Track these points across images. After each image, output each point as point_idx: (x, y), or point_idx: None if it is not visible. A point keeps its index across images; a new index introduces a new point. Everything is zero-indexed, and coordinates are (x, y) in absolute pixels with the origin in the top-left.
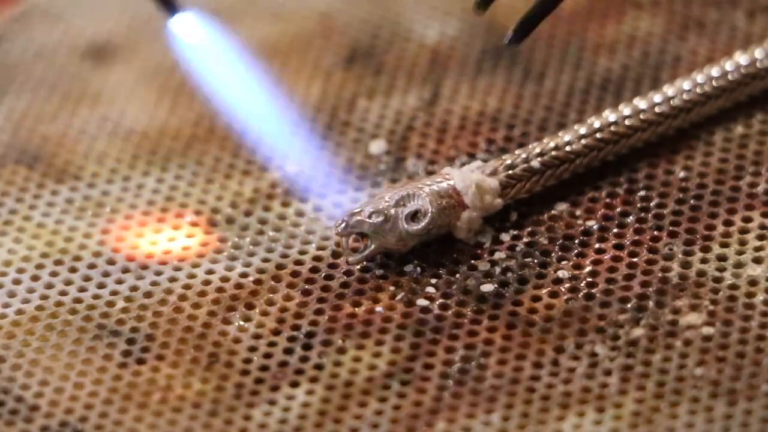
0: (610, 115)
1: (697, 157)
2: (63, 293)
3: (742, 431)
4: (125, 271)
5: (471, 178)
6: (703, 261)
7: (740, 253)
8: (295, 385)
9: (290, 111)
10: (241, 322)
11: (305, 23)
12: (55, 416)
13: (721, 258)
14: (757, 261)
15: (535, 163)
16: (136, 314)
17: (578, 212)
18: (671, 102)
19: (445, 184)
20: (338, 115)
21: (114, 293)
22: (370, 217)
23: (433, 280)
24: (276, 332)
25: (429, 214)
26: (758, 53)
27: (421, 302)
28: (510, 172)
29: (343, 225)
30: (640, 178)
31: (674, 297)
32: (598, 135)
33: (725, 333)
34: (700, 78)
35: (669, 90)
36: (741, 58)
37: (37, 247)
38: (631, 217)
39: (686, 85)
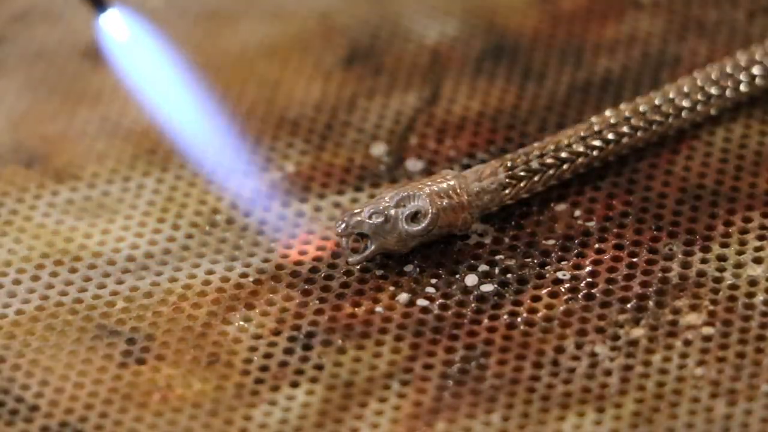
0: (610, 115)
1: (697, 157)
2: (63, 293)
3: (742, 431)
4: (125, 271)
5: (471, 179)
6: (703, 261)
7: (740, 253)
8: (295, 385)
9: (220, 118)
10: (241, 322)
11: (305, 23)
12: (55, 416)
13: (721, 258)
14: (757, 261)
15: (535, 163)
16: (136, 314)
17: (578, 212)
18: (671, 102)
19: (445, 185)
20: (338, 115)
21: (114, 293)
22: (370, 217)
23: (433, 280)
24: (276, 332)
25: (429, 215)
26: (758, 54)
27: (421, 302)
28: (510, 172)
29: (343, 225)
30: (640, 178)
31: (674, 297)
32: (598, 135)
33: (725, 333)
34: (700, 78)
35: (669, 90)
36: (741, 58)
37: (37, 247)
38: (631, 217)
39: (686, 85)
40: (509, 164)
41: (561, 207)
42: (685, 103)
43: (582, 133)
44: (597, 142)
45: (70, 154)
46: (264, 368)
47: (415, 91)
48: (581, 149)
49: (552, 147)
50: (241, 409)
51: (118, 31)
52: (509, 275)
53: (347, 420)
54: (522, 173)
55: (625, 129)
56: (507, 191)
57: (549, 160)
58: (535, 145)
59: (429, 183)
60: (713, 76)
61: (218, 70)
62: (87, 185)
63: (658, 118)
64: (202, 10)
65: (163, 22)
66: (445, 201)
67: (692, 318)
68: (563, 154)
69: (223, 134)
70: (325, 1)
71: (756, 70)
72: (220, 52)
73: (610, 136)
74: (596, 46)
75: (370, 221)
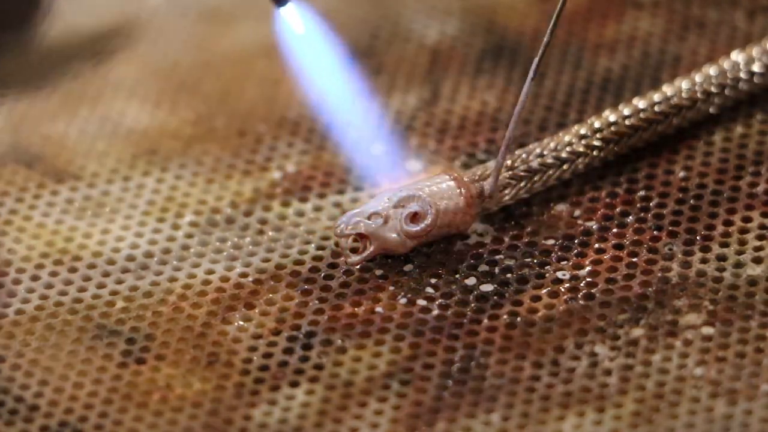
0: (610, 115)
1: (697, 157)
2: (63, 293)
3: (742, 431)
4: (125, 271)
5: (471, 179)
6: (703, 261)
7: (740, 253)
8: (295, 385)
9: (374, 112)
10: (241, 322)
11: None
12: (55, 416)
13: (721, 258)
14: (757, 261)
15: (535, 163)
16: (135, 314)
17: (578, 212)
18: (671, 101)
19: (444, 185)
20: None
21: (114, 293)
22: (369, 218)
23: (433, 280)
24: (276, 332)
25: (429, 216)
26: (755, 52)
27: (421, 302)
28: (510, 172)
29: (342, 226)
30: (640, 178)
31: (674, 297)
32: (598, 135)
33: (725, 333)
34: (699, 77)
35: (669, 90)
36: (739, 57)
37: (37, 246)
38: (631, 217)
39: (685, 84)
40: (509, 164)
41: (561, 207)
42: (685, 103)
43: (582, 133)
44: (597, 142)
45: (70, 154)
46: (264, 368)
47: (415, 91)
48: (581, 149)
49: (552, 147)
50: (241, 409)
51: (295, 24)
52: (509, 275)
53: (347, 420)
54: (522, 173)
55: (624, 129)
56: (507, 191)
57: (549, 160)
58: (535, 145)
59: (428, 183)
60: (712, 75)
61: (218, 70)
62: (87, 185)
63: (657, 117)
64: (202, 10)
65: (163, 22)
66: (445, 202)
67: (692, 318)
68: (563, 154)
69: (374, 123)
70: (325, 1)
71: (755, 68)
72: (220, 52)
73: (610, 135)
74: (596, 46)
75: (370, 222)
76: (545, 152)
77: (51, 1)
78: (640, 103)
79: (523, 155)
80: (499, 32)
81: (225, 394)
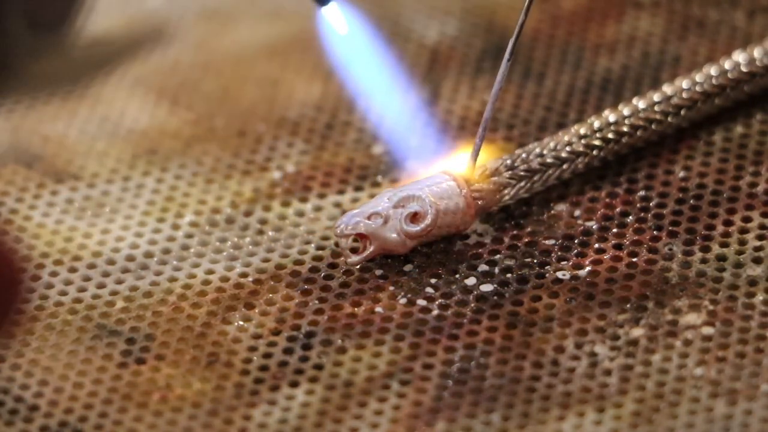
0: (610, 115)
1: (697, 157)
2: (62, 293)
3: (742, 431)
4: (125, 271)
5: (470, 179)
6: (703, 261)
7: (740, 253)
8: (294, 385)
9: (417, 107)
10: (241, 322)
11: (305, 23)
12: (55, 416)
13: (721, 258)
14: (757, 261)
15: (535, 163)
16: (135, 314)
17: (578, 212)
18: (671, 101)
19: (444, 185)
20: (338, 115)
21: (114, 293)
22: (369, 218)
23: (433, 280)
24: (276, 332)
25: (428, 216)
26: (757, 52)
27: (421, 302)
28: (510, 172)
29: (342, 226)
30: (640, 178)
31: (674, 297)
32: (598, 135)
33: (725, 333)
34: (699, 77)
35: (668, 89)
36: (740, 57)
37: (36, 246)
38: (631, 217)
39: (685, 84)
40: (509, 164)
41: (561, 207)
42: (685, 102)
43: (582, 133)
44: (597, 142)
45: (69, 154)
46: (264, 368)
47: (415, 91)
48: (581, 149)
49: (552, 147)
50: (241, 409)
51: (338, 24)
52: (509, 275)
53: (347, 420)
54: (522, 173)
55: (624, 128)
56: (507, 191)
57: (549, 160)
58: (535, 144)
59: (428, 183)
60: (713, 75)
61: (218, 70)
62: (87, 185)
63: (658, 117)
64: (202, 9)
65: (162, 22)
66: (445, 202)
67: (692, 318)
68: (563, 154)
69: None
70: None
71: (755, 68)
72: (220, 52)
73: (610, 135)
74: (596, 46)
75: (370, 222)
76: (545, 152)
77: (87, 2)
78: (640, 103)
79: (523, 155)
80: (499, 32)
81: (225, 394)
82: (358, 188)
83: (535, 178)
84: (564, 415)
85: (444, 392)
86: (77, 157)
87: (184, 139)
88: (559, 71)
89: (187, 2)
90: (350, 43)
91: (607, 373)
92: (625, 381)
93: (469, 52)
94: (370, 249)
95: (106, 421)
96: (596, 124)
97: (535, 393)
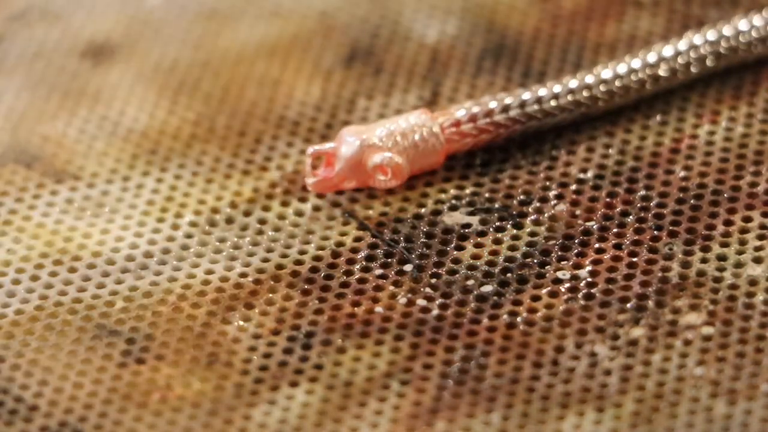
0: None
1: (697, 156)
2: (62, 293)
3: (742, 431)
4: (124, 271)
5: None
6: (703, 261)
7: (740, 252)
8: (294, 385)
9: None
10: (241, 322)
11: (305, 22)
12: (55, 416)
13: (721, 258)
14: (757, 261)
15: (516, 111)
16: (135, 314)
17: (578, 212)
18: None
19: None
20: (338, 115)
21: (113, 293)
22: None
23: (433, 280)
24: (275, 332)
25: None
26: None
27: (421, 302)
28: (471, 124)
29: (313, 150)
30: (639, 178)
31: (674, 297)
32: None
33: (725, 333)
34: (682, 44)
35: (649, 56)
36: (724, 29)
37: (36, 247)
38: (631, 217)
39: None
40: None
41: (561, 207)
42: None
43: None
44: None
45: (69, 154)
46: (263, 368)
47: (415, 91)
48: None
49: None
50: (241, 409)
51: None
52: (509, 275)
53: (347, 420)
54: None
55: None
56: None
57: (528, 109)
58: (516, 92)
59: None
60: (696, 43)
61: (218, 69)
62: (86, 185)
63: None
64: (202, 9)
65: (162, 22)
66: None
67: (692, 318)
68: (540, 106)
69: None
70: (326, 1)
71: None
72: (220, 51)
73: (584, 95)
74: (597, 46)
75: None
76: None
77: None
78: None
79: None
80: (499, 32)
81: (224, 394)
82: (357, 188)
83: (510, 115)
84: (564, 415)
85: (443, 392)
86: (76, 157)
87: (183, 139)
88: (559, 71)
89: (187, 2)
90: None
91: (607, 373)
92: (625, 381)
93: (469, 52)
94: (338, 169)
95: (105, 421)
96: (572, 83)
97: (534, 393)
